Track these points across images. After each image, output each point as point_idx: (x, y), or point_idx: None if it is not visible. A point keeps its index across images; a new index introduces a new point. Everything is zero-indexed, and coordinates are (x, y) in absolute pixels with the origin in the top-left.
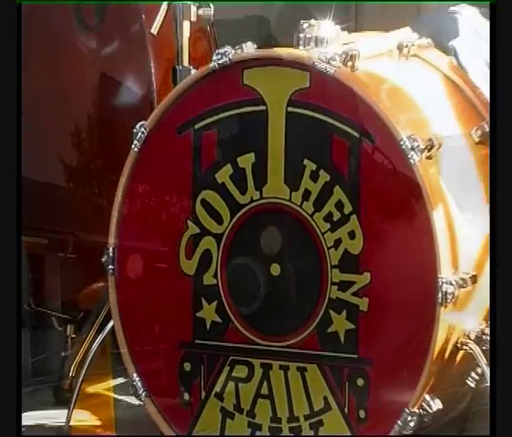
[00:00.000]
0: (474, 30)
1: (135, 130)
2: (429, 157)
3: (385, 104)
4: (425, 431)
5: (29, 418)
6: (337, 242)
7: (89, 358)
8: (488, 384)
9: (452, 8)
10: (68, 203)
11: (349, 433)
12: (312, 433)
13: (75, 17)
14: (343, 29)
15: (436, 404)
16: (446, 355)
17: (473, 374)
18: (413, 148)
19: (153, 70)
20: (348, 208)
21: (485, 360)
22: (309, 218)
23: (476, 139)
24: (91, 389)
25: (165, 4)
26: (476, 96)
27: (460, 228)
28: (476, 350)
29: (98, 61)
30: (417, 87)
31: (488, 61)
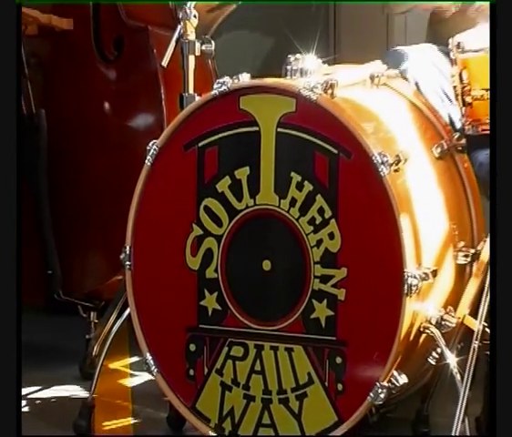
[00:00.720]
0: (432, 63)
1: (148, 147)
2: (397, 170)
3: (359, 125)
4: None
5: (60, 390)
6: (319, 242)
7: (109, 340)
8: (448, 362)
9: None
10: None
11: (329, 404)
12: (296, 406)
13: (96, 50)
14: (323, 62)
15: (403, 379)
16: (411, 337)
17: (433, 353)
18: (383, 163)
19: (163, 96)
20: (328, 213)
21: (443, 341)
22: (295, 221)
23: (437, 155)
24: (111, 365)
25: (173, 40)
26: (436, 118)
27: (423, 229)
28: (436, 333)
29: (117, 89)
30: (386, 111)
31: (445, 89)
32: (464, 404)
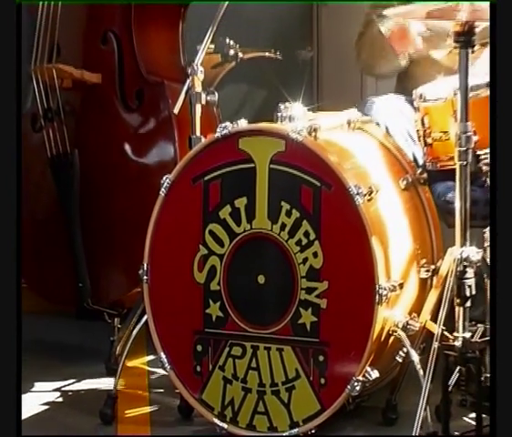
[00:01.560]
0: (399, 110)
1: (162, 181)
2: (370, 200)
3: (338, 162)
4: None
5: (88, 384)
6: (305, 260)
7: (130, 341)
8: (412, 359)
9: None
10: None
11: (313, 395)
12: (286, 397)
13: (120, 100)
14: (308, 109)
15: (375, 373)
16: (382, 339)
17: (400, 352)
18: (358, 193)
19: (176, 138)
20: (312, 236)
21: (408, 342)
22: (285, 243)
23: (403, 187)
24: (131, 363)
25: (183, 92)
26: (402, 156)
27: (391, 248)
28: (403, 335)
29: (137, 132)
30: (361, 150)
31: (409, 131)
32: (426, 395)
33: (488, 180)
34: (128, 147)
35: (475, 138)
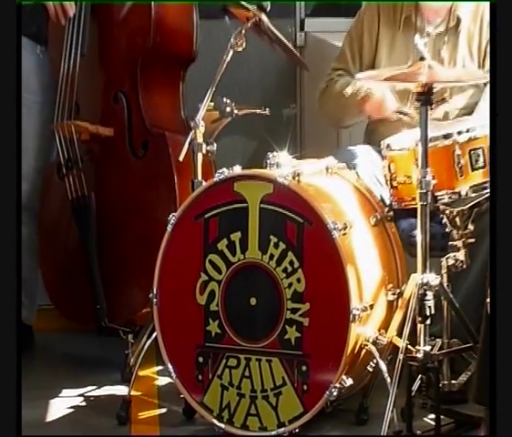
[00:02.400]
0: (370, 160)
1: (168, 218)
2: (345, 234)
3: (318, 202)
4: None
5: (106, 390)
6: (290, 285)
7: (142, 354)
8: (381, 369)
9: (357, 146)
10: (131, 263)
11: (297, 400)
12: (274, 401)
13: (129, 150)
14: (292, 157)
15: (349, 381)
16: (355, 352)
17: (371, 363)
18: (335, 229)
19: (176, 182)
20: (296, 264)
21: (378, 354)
22: (273, 270)
23: (372, 223)
24: (142, 373)
25: (187, 142)
26: (372, 197)
27: (363, 275)
28: (373, 348)
29: (144, 177)
30: (337, 192)
31: (378, 176)
32: (392, 399)
33: (445, 217)
34: (136, 190)
35: (433, 182)
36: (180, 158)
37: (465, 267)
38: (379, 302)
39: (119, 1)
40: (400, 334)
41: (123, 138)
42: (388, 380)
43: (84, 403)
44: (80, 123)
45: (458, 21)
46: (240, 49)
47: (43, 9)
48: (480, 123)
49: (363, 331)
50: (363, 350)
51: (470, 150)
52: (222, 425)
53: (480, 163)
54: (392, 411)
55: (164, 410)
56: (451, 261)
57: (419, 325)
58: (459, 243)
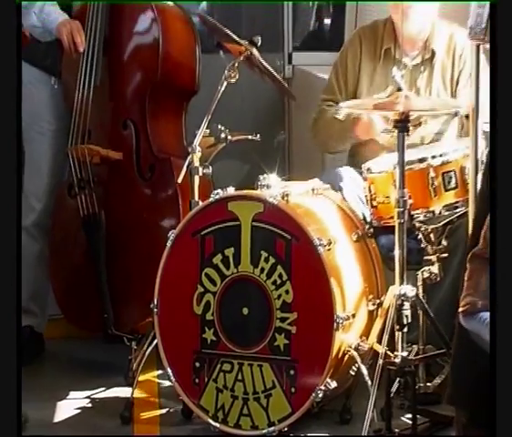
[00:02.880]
0: (352, 181)
1: (168, 235)
2: (329, 249)
3: (305, 220)
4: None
5: (111, 392)
6: (279, 296)
7: (144, 359)
8: (363, 372)
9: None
10: (135, 275)
11: (286, 401)
12: (265, 402)
13: (137, 173)
14: (281, 179)
15: (333, 384)
16: (339, 357)
17: (353, 367)
18: (320, 245)
19: (180, 202)
20: (285, 277)
21: (360, 359)
22: (263, 282)
23: (354, 239)
24: (144, 376)
25: (185, 166)
26: (354, 215)
27: (346, 287)
28: (355, 354)
29: (150, 197)
30: (322, 211)
31: (360, 196)
32: (373, 400)
33: (420, 234)
34: (142, 209)
35: (409, 202)
36: (179, 180)
37: (438, 279)
38: (360, 312)
39: (123, 1)
40: (380, 341)
41: (131, 162)
42: (369, 382)
43: (90, 404)
44: (92, 147)
45: (433, 53)
46: (233, 81)
47: (57, 43)
48: (452, 148)
49: (346, 338)
50: (346, 356)
51: (443, 173)
52: (217, 425)
53: (452, 184)
54: (372, 411)
55: (164, 410)
56: (426, 274)
57: (397, 333)
58: (433, 257)
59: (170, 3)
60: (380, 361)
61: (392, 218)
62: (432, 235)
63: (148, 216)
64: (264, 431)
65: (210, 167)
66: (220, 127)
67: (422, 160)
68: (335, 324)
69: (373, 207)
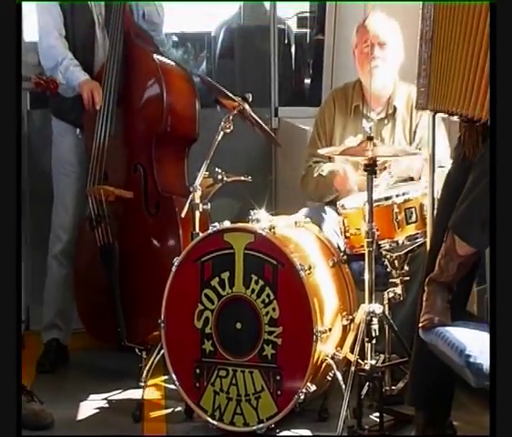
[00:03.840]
0: (329, 214)
1: (173, 261)
2: (309, 273)
3: (289, 249)
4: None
5: (124, 394)
6: (267, 312)
7: (152, 366)
8: (338, 377)
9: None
10: (145, 295)
11: (273, 402)
12: (255, 403)
13: (144, 208)
14: (269, 214)
15: (313, 387)
16: (318, 365)
17: (330, 373)
18: (301, 270)
19: (181, 234)
20: (272, 297)
21: (335, 366)
22: (254, 301)
23: (331, 265)
24: (152, 381)
25: (188, 202)
26: (330, 245)
27: (324, 305)
28: (331, 362)
29: (156, 229)
30: (303, 240)
31: (335, 228)
32: (346, 401)
33: (386, 260)
34: (149, 240)
35: (377, 233)
36: (182, 215)
37: (401, 299)
38: (336, 326)
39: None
40: (352, 351)
41: (140, 200)
42: (343, 386)
43: (107, 405)
44: (107, 187)
45: (395, 109)
46: (228, 131)
47: (80, 99)
48: (413, 188)
49: (324, 349)
50: (324, 364)
51: (405, 209)
52: (215, 422)
53: (413, 218)
54: (346, 411)
55: (169, 410)
56: (391, 294)
57: (366, 344)
58: (397, 280)
59: (173, 63)
60: (352, 368)
61: (362, 247)
62: (396, 261)
63: (154, 245)
64: (254, 428)
65: (209, 204)
66: (217, 169)
67: (387, 198)
68: (315, 337)
69: (346, 237)
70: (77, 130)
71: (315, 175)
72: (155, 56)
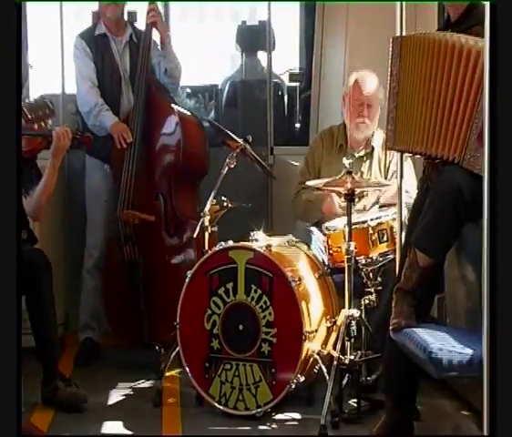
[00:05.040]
0: (316, 235)
1: (187, 273)
2: (299, 284)
3: (282, 263)
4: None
5: (146, 384)
6: (264, 316)
7: (169, 361)
8: (323, 370)
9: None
10: (164, 300)
11: (269, 390)
12: (254, 391)
13: (165, 230)
14: (266, 235)
15: (302, 378)
16: (306, 359)
17: (316, 367)
18: (292, 281)
19: (193, 250)
20: (268, 303)
21: (320, 361)
22: (253, 307)
23: (317, 277)
24: (169, 373)
25: (199, 225)
26: (316, 260)
27: (311, 310)
28: (317, 357)
29: (175, 247)
30: (294, 257)
31: (320, 246)
32: (330, 390)
33: (362, 273)
34: (168, 255)
35: (355, 251)
36: (194, 236)
37: (375, 305)
38: (321, 327)
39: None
40: (334, 348)
41: (160, 223)
42: (327, 377)
43: (132, 392)
44: (134, 212)
45: (372, 149)
46: (232, 166)
47: (111, 140)
48: (384, 214)
49: (311, 346)
50: (311, 359)
51: (378, 231)
52: (221, 407)
53: (385, 239)
54: (329, 398)
55: (183, 397)
56: (367, 301)
57: (346, 342)
58: (372, 289)
59: (187, 111)
60: (335, 363)
61: (342, 262)
62: (370, 274)
63: (172, 260)
64: (253, 412)
65: (216, 226)
66: (223, 198)
67: (363, 222)
68: (304, 336)
69: (329, 254)
70: (106, 165)
71: (303, 199)
72: (173, 106)
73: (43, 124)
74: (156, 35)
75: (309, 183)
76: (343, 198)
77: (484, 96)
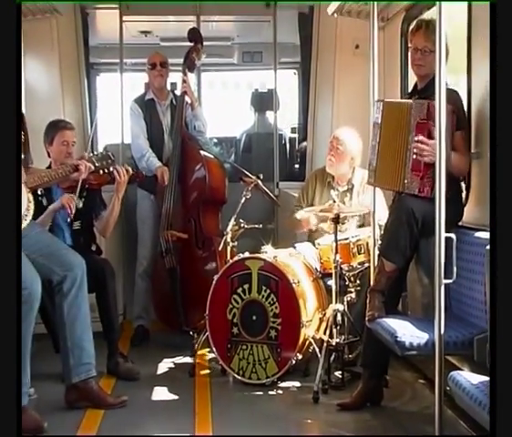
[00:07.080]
0: (310, 249)
1: (214, 278)
2: (298, 285)
3: (285, 269)
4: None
5: (183, 360)
6: (272, 309)
7: (200, 343)
8: (316, 350)
9: (303, 243)
10: (197, 295)
11: (275, 365)
12: (264, 366)
13: (195, 244)
14: (273, 248)
15: (300, 356)
16: (303, 342)
17: (311, 347)
18: (293, 282)
19: (217, 259)
20: (275, 300)
21: (314, 343)
22: (264, 303)
23: (311, 280)
24: (200, 352)
25: (222, 242)
26: (311, 266)
27: (307, 304)
28: (312, 341)
29: (203, 258)
30: (294, 265)
31: (313, 256)
32: (321, 365)
33: (346, 277)
34: (199, 263)
35: (340, 261)
36: (219, 249)
37: (355, 301)
38: (315, 318)
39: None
40: (325, 333)
41: (192, 239)
42: (319, 355)
43: (173, 366)
44: (172, 232)
45: (353, 185)
46: (247, 197)
47: (156, 178)
48: (362, 233)
49: (307, 332)
50: (307, 341)
51: (357, 245)
52: (239, 377)
53: (362, 251)
54: (321, 370)
55: (211, 370)
56: (349, 298)
57: (334, 329)
58: (352, 289)
59: (212, 156)
60: (325, 344)
61: (331, 269)
62: (352, 277)
63: (202, 267)
64: (264, 381)
65: (236, 242)
66: (241, 220)
67: (346, 239)
68: (301, 325)
69: (321, 263)
70: (152, 196)
71: (294, 217)
72: (201, 152)
73: (106, 170)
74: (188, 100)
75: (308, 209)
76: (329, 222)
77: (438, 133)
